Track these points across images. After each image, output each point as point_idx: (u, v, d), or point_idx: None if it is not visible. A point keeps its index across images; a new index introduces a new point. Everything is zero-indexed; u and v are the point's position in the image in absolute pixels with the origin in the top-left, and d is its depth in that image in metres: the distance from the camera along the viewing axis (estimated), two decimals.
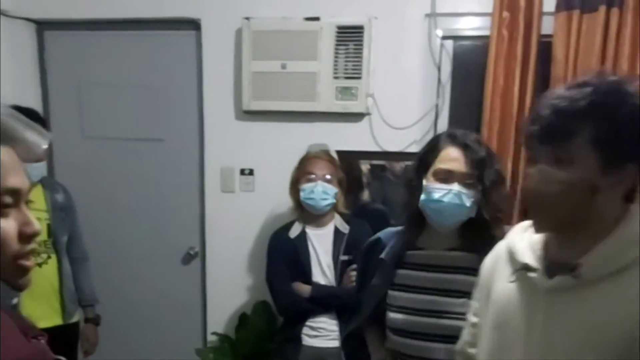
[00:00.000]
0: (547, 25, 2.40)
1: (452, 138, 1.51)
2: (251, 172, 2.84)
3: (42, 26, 2.92)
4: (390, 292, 1.60)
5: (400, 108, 2.64)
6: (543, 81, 2.46)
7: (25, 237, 0.80)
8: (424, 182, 1.51)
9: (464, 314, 1.44)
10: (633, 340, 0.91)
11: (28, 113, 0.98)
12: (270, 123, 2.75)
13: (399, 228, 1.68)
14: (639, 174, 0.97)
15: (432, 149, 1.54)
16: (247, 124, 2.78)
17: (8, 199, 0.77)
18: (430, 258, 1.58)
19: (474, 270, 1.45)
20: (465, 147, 1.48)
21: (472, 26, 2.55)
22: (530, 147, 1.05)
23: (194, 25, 2.75)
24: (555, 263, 1.03)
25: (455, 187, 1.46)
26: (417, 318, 1.55)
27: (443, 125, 2.62)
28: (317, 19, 2.53)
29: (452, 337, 1.44)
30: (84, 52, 2.91)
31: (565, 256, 1.02)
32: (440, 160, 1.50)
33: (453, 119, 2.65)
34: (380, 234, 1.71)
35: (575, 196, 0.97)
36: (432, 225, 1.55)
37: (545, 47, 2.42)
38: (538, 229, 1.07)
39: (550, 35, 2.40)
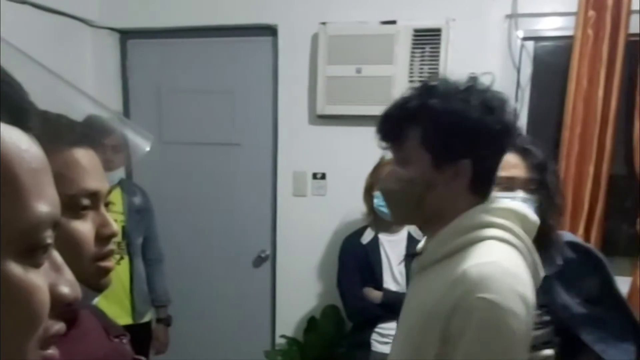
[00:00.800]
0: (635, 24, 2.30)
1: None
2: (323, 177, 2.85)
3: (125, 35, 3.05)
4: None
5: None
6: (630, 83, 2.36)
7: (103, 238, 0.81)
8: None
9: None
10: (431, 315, 1.02)
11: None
12: (344, 127, 2.76)
13: None
14: (480, 166, 1.05)
15: None
16: (320, 129, 2.80)
17: (86, 202, 0.78)
18: None
19: None
20: (524, 152, 1.42)
21: (555, 26, 2.48)
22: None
23: (270, 31, 2.81)
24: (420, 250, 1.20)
25: (520, 194, 1.40)
26: None
27: (521, 129, 2.55)
28: (393, 22, 2.52)
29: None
30: (164, 59, 3.02)
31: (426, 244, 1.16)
32: (501, 168, 1.43)
33: (532, 123, 2.58)
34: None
35: (414, 192, 1.08)
36: None
37: (633, 47, 2.32)
38: (395, 221, 1.26)
39: (638, 34, 2.30)
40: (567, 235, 1.49)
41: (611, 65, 2.33)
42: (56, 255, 0.44)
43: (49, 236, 0.40)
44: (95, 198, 0.79)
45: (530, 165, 1.42)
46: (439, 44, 2.49)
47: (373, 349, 2.36)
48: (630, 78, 2.36)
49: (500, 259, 0.99)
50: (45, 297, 0.40)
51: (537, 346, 1.44)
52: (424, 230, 1.18)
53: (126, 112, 3.12)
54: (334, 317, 2.80)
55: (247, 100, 2.93)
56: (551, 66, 2.52)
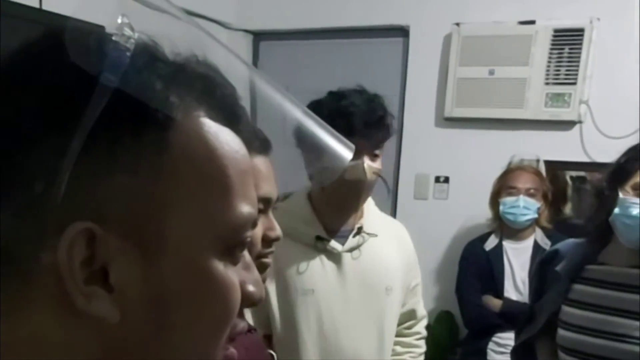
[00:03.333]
0: None
1: None
2: (446, 180, 2.82)
3: (259, 37, 3.20)
4: (564, 308, 1.49)
5: (617, 116, 2.46)
6: None
7: (269, 240, 0.90)
8: (620, 194, 1.37)
9: (638, 338, 1.34)
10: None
11: None
12: (471, 130, 2.73)
13: (580, 240, 1.56)
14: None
15: (635, 158, 1.39)
16: (446, 131, 2.78)
17: (260, 206, 0.85)
18: (612, 274, 1.44)
19: None
20: None
21: None
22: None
23: (402, 32, 2.85)
24: (338, 231, 1.38)
25: None
26: (591, 339, 1.42)
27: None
28: (532, 22, 2.47)
29: None
30: (294, 60, 3.13)
31: (345, 225, 1.38)
32: None
33: None
34: (559, 246, 1.61)
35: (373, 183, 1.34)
36: (620, 240, 1.40)
37: None
38: (356, 208, 1.39)
39: None
40: None
41: None
42: (247, 253, 0.45)
43: (249, 235, 0.42)
44: (267, 203, 0.88)
45: None
46: (580, 44, 2.42)
47: (489, 357, 2.29)
48: None
49: None
50: (239, 295, 0.41)
51: None
52: (344, 212, 1.39)
53: (253, 113, 3.27)
54: (448, 323, 2.75)
55: None
56: None
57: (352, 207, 1.38)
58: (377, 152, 1.35)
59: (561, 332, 1.50)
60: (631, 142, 2.39)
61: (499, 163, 2.48)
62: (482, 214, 2.50)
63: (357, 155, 1.28)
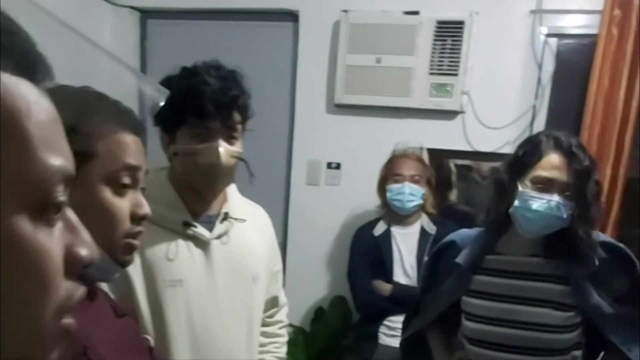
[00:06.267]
0: None
1: (557, 143, 1.38)
2: (338, 166, 2.84)
3: (146, 15, 3.03)
4: (466, 299, 1.51)
5: (496, 107, 2.57)
6: None
7: (137, 217, 0.85)
8: (520, 187, 1.40)
9: (544, 325, 1.39)
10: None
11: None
12: (361, 117, 2.75)
13: (475, 231, 1.58)
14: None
15: (533, 151, 1.40)
16: (337, 118, 2.79)
17: (127, 179, 0.83)
18: (511, 264, 1.48)
19: (556, 278, 1.41)
20: (570, 155, 1.35)
21: (579, 24, 2.46)
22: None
23: (292, 16, 2.79)
24: (203, 216, 1.30)
25: (556, 197, 1.34)
26: (496, 328, 1.46)
27: (539, 128, 2.53)
28: (416, 13, 2.51)
29: (531, 349, 1.39)
30: (184, 40, 2.99)
31: (209, 211, 1.31)
32: (542, 167, 1.37)
33: (551, 121, 2.56)
34: (454, 237, 1.62)
35: (233, 167, 1.28)
36: (518, 231, 1.43)
37: None
38: (215, 194, 1.32)
39: None
40: (600, 236, 1.45)
41: (634, 66, 2.30)
42: (71, 214, 0.41)
43: (61, 193, 0.38)
44: (134, 175, 0.84)
45: (573, 171, 1.34)
46: (461, 36, 2.48)
47: (380, 341, 2.35)
48: None
49: None
50: (57, 260, 0.38)
51: (568, 349, 1.43)
52: (207, 198, 1.33)
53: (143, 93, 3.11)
54: (342, 308, 2.79)
55: (265, 86, 2.92)
56: (573, 64, 2.50)
57: (210, 192, 1.30)
58: (235, 134, 1.27)
59: (465, 323, 1.51)
60: (509, 132, 2.56)
61: (388, 150, 2.52)
62: (373, 200, 2.54)
63: (212, 137, 1.23)
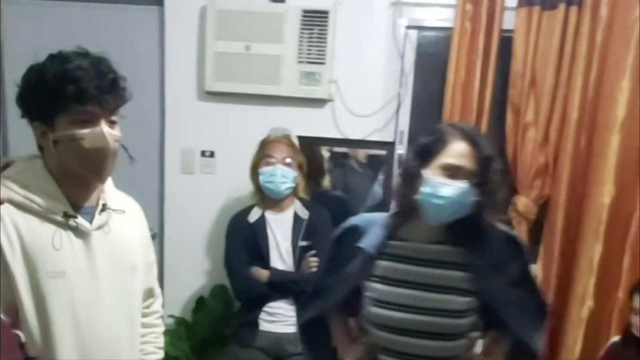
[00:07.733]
0: (509, 21, 2.43)
1: (462, 132, 1.41)
2: (212, 154, 2.81)
3: None
4: (369, 284, 1.51)
5: (363, 96, 2.64)
6: (503, 76, 2.50)
7: None
8: (425, 174, 1.40)
9: (448, 310, 1.44)
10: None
11: None
12: (233, 105, 2.72)
13: (379, 215, 1.58)
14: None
15: (437, 140, 1.42)
16: (209, 105, 2.74)
17: None
18: (415, 250, 1.49)
19: (460, 265, 1.46)
20: (475, 143, 1.39)
21: (437, 17, 2.57)
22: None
23: (156, 0, 2.69)
24: (82, 207, 1.30)
25: (462, 184, 1.36)
26: (401, 314, 1.47)
27: (405, 116, 2.65)
28: (282, 1, 2.50)
29: (435, 334, 1.44)
30: (42, 23, 2.80)
31: (88, 202, 1.31)
32: (448, 154, 1.39)
33: (415, 110, 2.67)
34: (356, 221, 1.61)
35: (116, 152, 1.30)
36: (424, 218, 1.43)
37: (506, 42, 2.45)
38: (103, 180, 1.33)
39: (511, 31, 2.44)
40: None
41: (486, 58, 2.45)
42: None
43: None
44: None
45: (477, 159, 1.38)
46: (327, 26, 2.51)
47: (261, 328, 2.37)
48: (503, 72, 2.49)
49: None
50: None
51: (467, 331, 1.49)
52: (87, 187, 1.32)
53: (1, 77, 2.88)
54: (223, 296, 2.78)
55: (132, 72, 2.75)
56: (433, 55, 2.62)
57: (98, 178, 1.29)
58: (114, 118, 1.28)
59: (369, 308, 1.50)
60: (376, 120, 2.65)
61: (260, 137, 2.51)
62: (247, 187, 2.53)
63: (94, 122, 1.22)
